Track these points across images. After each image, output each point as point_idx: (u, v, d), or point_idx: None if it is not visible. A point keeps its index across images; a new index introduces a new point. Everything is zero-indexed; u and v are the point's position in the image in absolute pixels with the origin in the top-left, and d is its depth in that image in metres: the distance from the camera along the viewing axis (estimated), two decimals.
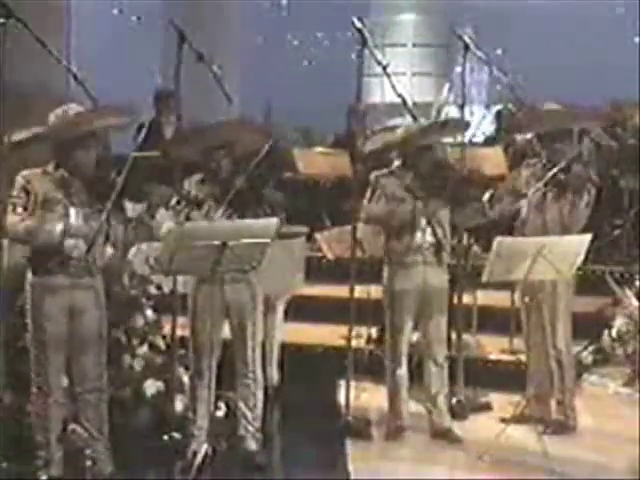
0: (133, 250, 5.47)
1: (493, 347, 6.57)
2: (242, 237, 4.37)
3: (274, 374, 6.02)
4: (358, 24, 5.45)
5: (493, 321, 6.67)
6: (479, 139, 9.28)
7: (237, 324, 4.85)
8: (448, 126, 5.77)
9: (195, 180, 4.92)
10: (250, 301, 4.86)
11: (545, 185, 5.33)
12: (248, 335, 4.85)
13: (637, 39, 12.32)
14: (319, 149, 9.07)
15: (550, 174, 5.27)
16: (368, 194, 5.34)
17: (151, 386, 5.09)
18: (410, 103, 10.62)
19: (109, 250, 4.56)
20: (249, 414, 4.85)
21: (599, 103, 8.87)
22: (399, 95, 5.89)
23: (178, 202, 4.81)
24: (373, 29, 10.62)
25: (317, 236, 6.57)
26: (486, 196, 5.70)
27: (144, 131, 7.16)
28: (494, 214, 5.37)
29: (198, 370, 4.82)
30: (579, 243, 5.07)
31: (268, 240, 4.46)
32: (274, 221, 4.50)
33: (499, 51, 10.47)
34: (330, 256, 6.46)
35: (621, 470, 4.91)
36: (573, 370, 5.51)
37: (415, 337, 5.53)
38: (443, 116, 9.76)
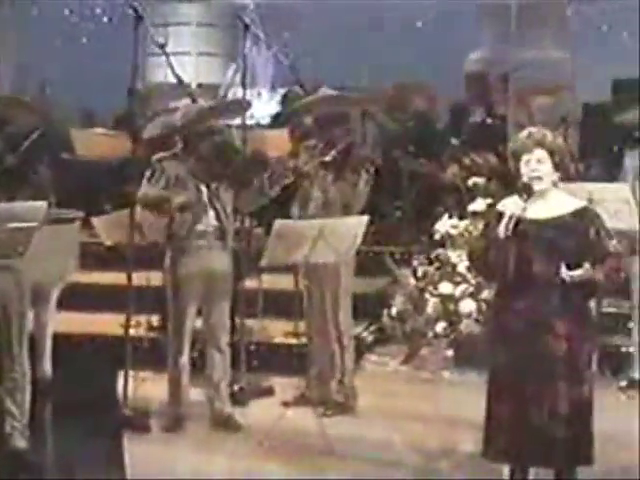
0: None
1: (279, 331, 6.61)
2: (5, 221, 4.15)
3: (46, 367, 5.76)
4: (133, 2, 5.29)
5: (279, 304, 6.71)
6: (265, 121, 9.31)
7: (1, 314, 4.60)
8: (229, 108, 5.73)
9: None
10: (15, 289, 4.61)
11: (325, 166, 5.40)
12: (13, 325, 4.60)
13: (419, 24, 12.72)
14: (99, 130, 8.81)
15: (329, 156, 5.34)
16: (147, 176, 5.21)
17: None
18: (195, 84, 10.51)
19: None
20: (15, 410, 4.62)
21: (385, 86, 9.13)
22: (176, 76, 5.80)
23: None
24: (155, 7, 10.44)
25: (94, 221, 6.34)
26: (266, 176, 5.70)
27: None
28: (274, 192, 5.37)
29: None
30: (357, 224, 5.18)
31: (35, 224, 4.25)
32: (41, 204, 4.30)
33: (287, 34, 10.50)
34: (108, 242, 6.26)
35: (402, 448, 5.05)
36: (353, 350, 5.62)
37: (199, 323, 5.48)
38: (229, 97, 9.71)
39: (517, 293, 4.07)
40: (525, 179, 4.08)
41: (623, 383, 5.93)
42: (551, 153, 4.08)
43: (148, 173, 5.22)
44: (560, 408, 4.00)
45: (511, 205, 4.06)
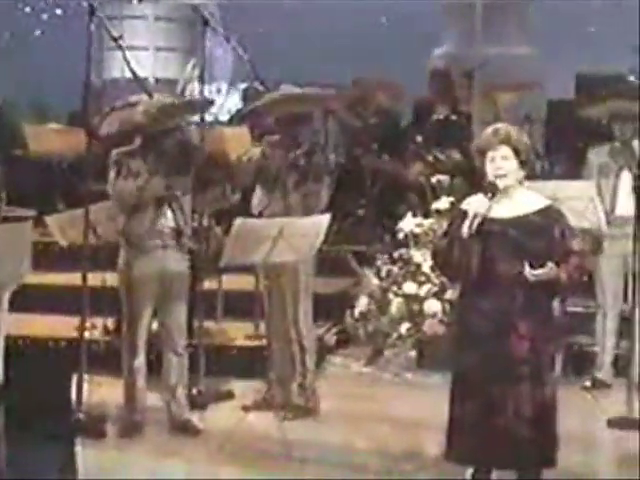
0: None
1: (239, 333, 6.59)
2: None
3: None
4: None
5: (239, 306, 6.69)
6: (225, 117, 9.28)
7: None
8: (190, 106, 5.70)
9: None
10: None
11: (287, 169, 5.39)
12: None
13: (383, 19, 12.77)
14: (53, 126, 8.71)
15: (292, 157, 5.33)
16: (115, 171, 5.14)
17: None
18: (153, 79, 10.44)
19: None
20: None
21: (345, 82, 9.13)
22: (132, 70, 5.75)
23: None
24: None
25: (48, 220, 6.28)
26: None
27: None
28: (236, 199, 5.37)
29: None
30: (319, 224, 5.16)
31: None
32: None
33: (260, 30, 10.49)
34: (63, 242, 6.20)
35: (365, 451, 5.05)
36: (314, 352, 5.62)
37: (155, 326, 5.45)
38: (188, 93, 9.65)
39: (481, 293, 4.09)
40: (490, 177, 4.11)
41: (587, 383, 6.00)
42: (516, 150, 4.10)
43: (115, 168, 5.17)
44: (524, 409, 4.03)
45: (475, 204, 4.08)
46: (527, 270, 3.99)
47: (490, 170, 4.11)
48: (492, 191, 4.07)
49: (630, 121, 5.84)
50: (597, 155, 6.03)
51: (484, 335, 4.08)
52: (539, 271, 3.98)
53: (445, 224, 6.61)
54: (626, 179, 5.78)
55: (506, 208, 4.10)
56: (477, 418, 4.07)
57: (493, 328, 4.06)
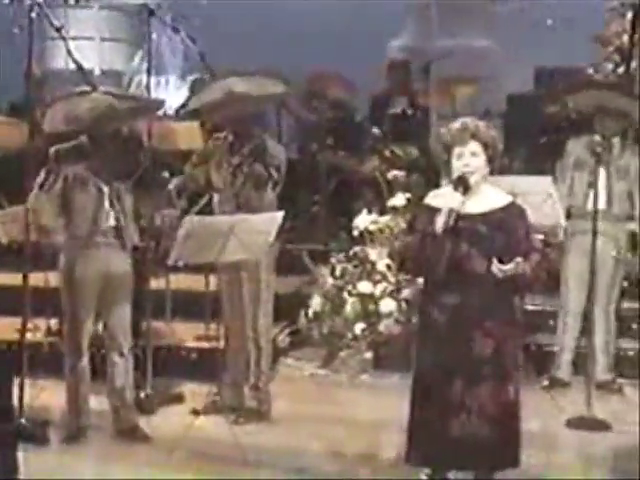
0: None
1: (189, 334, 6.56)
2: None
3: None
4: None
5: (189, 306, 6.66)
6: (172, 112, 9.21)
7: None
8: (140, 110, 5.66)
9: None
10: None
11: (234, 171, 5.38)
12: None
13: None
14: None
15: (237, 157, 5.32)
16: (39, 182, 5.10)
17: None
18: (99, 70, 10.34)
19: None
20: None
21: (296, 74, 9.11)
22: (75, 61, 5.71)
23: None
24: None
25: None
26: (174, 182, 5.69)
27: None
28: (184, 204, 5.35)
29: None
30: (271, 221, 5.15)
31: None
32: None
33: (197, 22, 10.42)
34: (4, 240, 6.13)
35: (321, 454, 5.06)
36: (270, 354, 5.61)
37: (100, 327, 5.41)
38: (135, 85, 9.60)
39: (446, 290, 4.09)
40: (457, 173, 4.08)
41: (545, 382, 6.06)
42: (485, 146, 4.08)
43: (41, 178, 5.12)
44: (487, 409, 4.04)
45: (448, 199, 4.05)
46: (496, 266, 4.00)
47: (457, 166, 4.08)
48: (464, 187, 4.05)
49: (613, 116, 5.86)
50: (574, 147, 6.05)
51: (448, 333, 4.08)
52: (507, 266, 3.98)
53: (401, 221, 6.69)
54: (601, 175, 5.81)
55: (473, 204, 4.08)
56: (439, 418, 4.07)
57: (458, 326, 4.07)
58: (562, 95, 6.37)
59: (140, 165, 5.24)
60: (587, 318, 5.84)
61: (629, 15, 8.26)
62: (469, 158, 4.06)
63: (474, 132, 4.08)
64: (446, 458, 4.12)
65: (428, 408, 4.10)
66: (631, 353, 6.30)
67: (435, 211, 4.05)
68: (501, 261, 4.00)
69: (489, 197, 4.13)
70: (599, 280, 5.75)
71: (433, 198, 4.16)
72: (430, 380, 4.11)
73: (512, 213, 4.11)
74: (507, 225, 4.08)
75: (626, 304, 6.40)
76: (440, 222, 4.00)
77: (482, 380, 4.05)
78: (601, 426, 5.36)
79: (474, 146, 4.07)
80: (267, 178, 5.36)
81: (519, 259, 3.99)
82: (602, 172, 5.81)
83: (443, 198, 4.08)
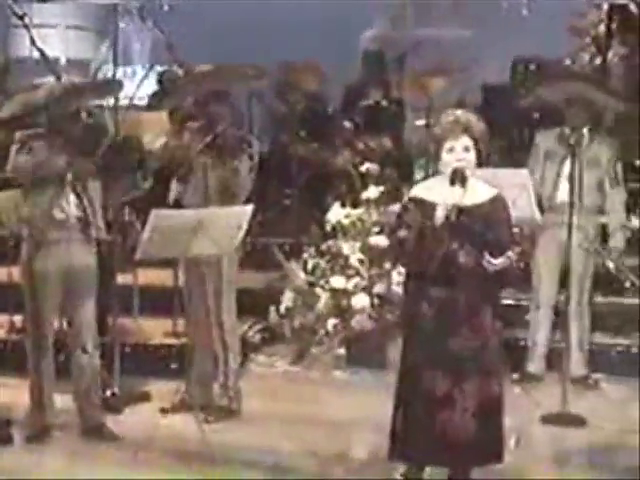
0: None
1: (156, 331, 6.52)
2: None
3: None
4: None
5: (156, 302, 6.63)
6: (142, 102, 9.16)
7: None
8: (98, 88, 5.62)
9: None
10: None
11: (204, 151, 5.35)
12: None
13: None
14: None
15: (207, 139, 5.29)
16: (16, 149, 5.02)
17: None
18: (64, 59, 10.26)
19: None
20: None
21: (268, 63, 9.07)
22: (39, 50, 5.67)
23: None
24: None
25: None
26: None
27: None
28: (148, 185, 5.30)
29: None
30: (241, 214, 5.11)
31: None
32: None
33: (166, 7, 10.35)
34: None
35: (293, 453, 5.04)
36: (238, 351, 5.59)
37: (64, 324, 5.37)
38: (101, 74, 9.54)
39: (435, 283, 4.08)
40: (447, 167, 4.05)
41: (515, 376, 6.07)
42: (476, 140, 4.07)
43: (16, 146, 5.04)
44: (471, 405, 4.05)
45: (449, 194, 4.03)
46: (487, 259, 3.99)
47: (448, 160, 4.06)
48: (461, 180, 4.02)
49: (582, 107, 5.88)
50: (544, 139, 6.07)
51: (436, 327, 4.08)
52: (499, 260, 3.98)
53: (374, 214, 6.68)
54: (569, 167, 5.82)
55: (464, 197, 4.06)
56: (424, 413, 4.06)
57: (445, 320, 4.07)
58: (533, 87, 6.38)
59: (101, 150, 5.17)
60: (562, 312, 5.85)
61: (605, 6, 8.32)
62: (462, 153, 4.05)
63: (466, 126, 4.06)
64: (430, 454, 4.12)
65: (412, 404, 4.10)
66: (606, 348, 6.35)
67: (429, 205, 4.04)
68: (491, 255, 4.00)
69: (476, 190, 4.12)
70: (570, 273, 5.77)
71: (426, 191, 4.14)
72: (415, 376, 4.10)
73: (498, 206, 4.13)
74: (494, 218, 4.09)
75: (600, 298, 6.44)
76: (440, 216, 3.98)
77: (468, 375, 4.06)
78: (576, 421, 5.39)
79: (466, 140, 4.06)
80: (243, 145, 5.33)
81: (510, 253, 3.99)
82: (572, 164, 5.83)
83: (439, 192, 4.06)
